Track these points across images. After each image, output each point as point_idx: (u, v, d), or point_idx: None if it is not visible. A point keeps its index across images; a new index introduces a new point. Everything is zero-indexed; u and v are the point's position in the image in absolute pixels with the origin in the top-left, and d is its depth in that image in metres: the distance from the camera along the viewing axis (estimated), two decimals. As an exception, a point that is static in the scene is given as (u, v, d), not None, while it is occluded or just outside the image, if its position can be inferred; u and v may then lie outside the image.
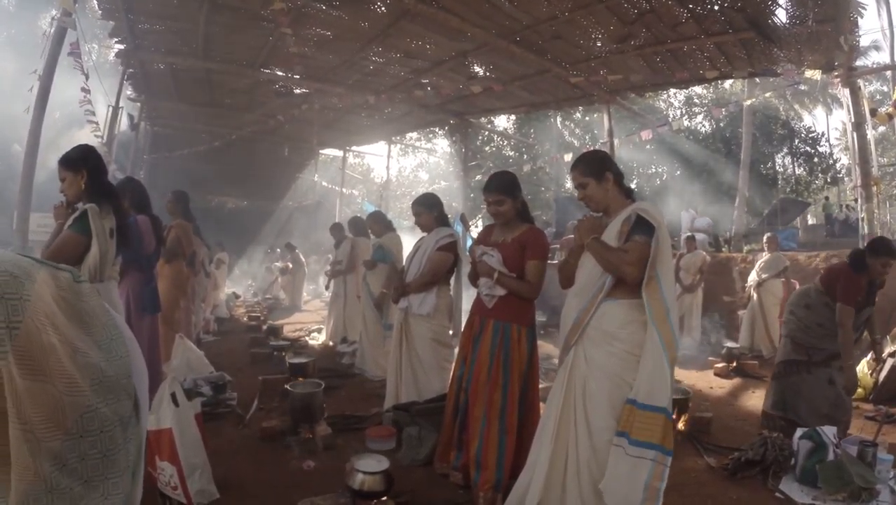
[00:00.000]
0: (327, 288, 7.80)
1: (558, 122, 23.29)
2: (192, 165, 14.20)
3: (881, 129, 20.14)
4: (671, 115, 21.92)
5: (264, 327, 7.46)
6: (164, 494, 2.39)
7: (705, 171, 19.26)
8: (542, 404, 2.74)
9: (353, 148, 16.58)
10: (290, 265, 11.65)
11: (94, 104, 7.30)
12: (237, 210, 19.01)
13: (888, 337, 5.31)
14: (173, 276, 4.60)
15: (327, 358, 6.08)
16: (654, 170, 22.84)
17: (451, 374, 3.19)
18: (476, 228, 15.47)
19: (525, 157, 22.54)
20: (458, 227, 6.18)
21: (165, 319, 4.30)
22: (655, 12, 5.84)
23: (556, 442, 2.12)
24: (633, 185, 2.43)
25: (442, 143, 23.87)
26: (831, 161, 22.71)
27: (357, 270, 6.36)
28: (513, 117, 21.98)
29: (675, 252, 7.82)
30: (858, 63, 7.13)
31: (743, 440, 3.52)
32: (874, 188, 6.50)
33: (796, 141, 21.98)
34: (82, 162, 2.66)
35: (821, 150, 22.32)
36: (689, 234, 8.98)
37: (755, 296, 7.04)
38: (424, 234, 3.79)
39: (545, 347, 5.84)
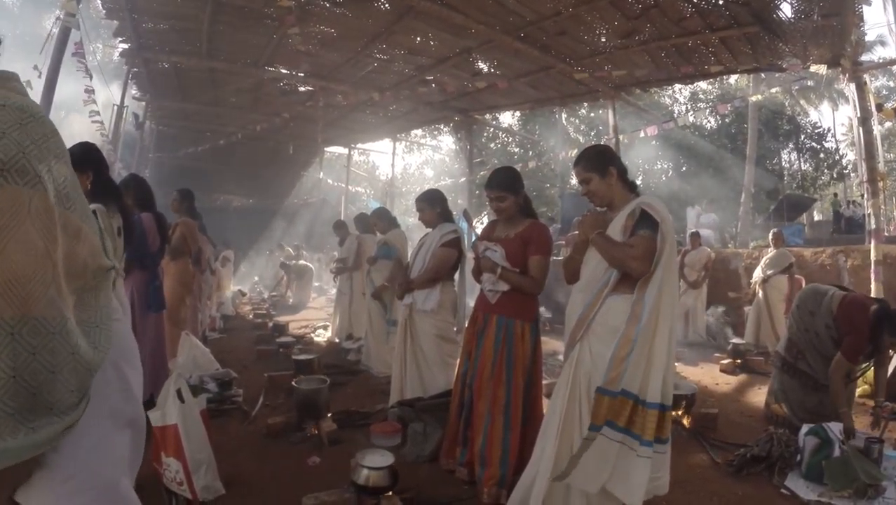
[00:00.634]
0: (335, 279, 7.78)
1: (563, 119, 23.23)
2: (197, 164, 14.34)
3: (887, 124, 20.03)
4: (676, 112, 21.80)
5: (270, 324, 7.49)
6: (169, 490, 2.40)
7: (711, 167, 19.12)
8: (545, 400, 2.74)
9: (359, 145, 16.58)
10: (294, 262, 11.70)
11: (98, 104, 7.33)
12: (242, 208, 19.07)
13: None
14: (179, 273, 4.62)
15: (333, 355, 6.11)
16: (659, 166, 22.73)
17: (456, 370, 3.20)
18: (480, 225, 15.45)
19: (530, 153, 22.44)
20: (462, 224, 6.18)
21: (171, 317, 4.32)
22: (660, 7, 5.81)
23: (562, 437, 2.11)
24: (638, 182, 2.41)
25: (447, 140, 23.80)
26: (837, 157, 22.47)
27: (363, 268, 6.38)
28: (517, 114, 21.87)
29: (680, 248, 7.79)
30: (864, 58, 7.08)
31: (748, 437, 3.51)
32: (880, 184, 6.44)
33: (802, 137, 21.80)
34: (86, 162, 2.64)
35: (827, 145, 22.16)
36: (694, 230, 8.96)
37: (761, 292, 7.00)
38: (428, 230, 3.80)
39: (550, 344, 5.83)
